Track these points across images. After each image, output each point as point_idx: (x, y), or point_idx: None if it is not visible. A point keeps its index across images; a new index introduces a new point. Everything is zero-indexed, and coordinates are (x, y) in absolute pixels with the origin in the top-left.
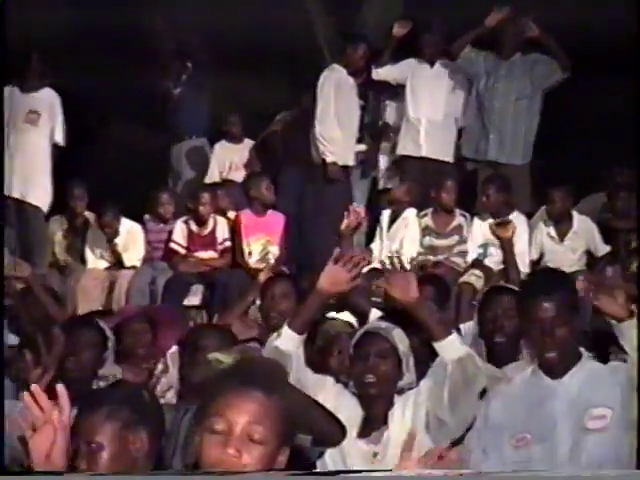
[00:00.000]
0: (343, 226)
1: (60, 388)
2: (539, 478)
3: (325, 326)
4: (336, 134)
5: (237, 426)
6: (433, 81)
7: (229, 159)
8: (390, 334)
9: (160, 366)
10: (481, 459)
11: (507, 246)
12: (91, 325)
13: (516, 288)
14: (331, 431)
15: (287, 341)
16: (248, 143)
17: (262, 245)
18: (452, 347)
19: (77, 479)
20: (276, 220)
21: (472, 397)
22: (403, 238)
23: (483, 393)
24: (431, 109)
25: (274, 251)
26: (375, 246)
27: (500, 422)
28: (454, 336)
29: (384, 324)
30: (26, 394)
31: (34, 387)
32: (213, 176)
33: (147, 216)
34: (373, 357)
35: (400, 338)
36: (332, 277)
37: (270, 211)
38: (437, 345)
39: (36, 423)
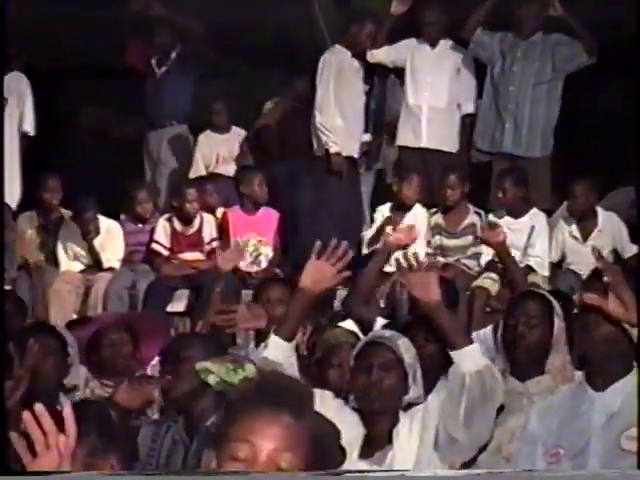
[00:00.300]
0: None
1: (67, 408)
2: (540, 478)
3: (325, 335)
4: (338, 123)
5: (262, 453)
6: (435, 63)
7: (215, 151)
8: (395, 344)
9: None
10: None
11: (502, 252)
12: (49, 331)
13: (545, 292)
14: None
15: (275, 350)
16: (236, 132)
17: (253, 246)
18: (472, 357)
19: (77, 479)
20: (269, 218)
21: (489, 414)
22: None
23: (500, 410)
24: (433, 95)
25: (267, 252)
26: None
27: (536, 434)
28: (475, 346)
29: (388, 333)
30: (26, 413)
31: (37, 406)
32: (198, 169)
33: (123, 216)
34: (377, 370)
35: (406, 348)
36: (315, 273)
37: (263, 208)
38: (455, 354)
39: (37, 447)
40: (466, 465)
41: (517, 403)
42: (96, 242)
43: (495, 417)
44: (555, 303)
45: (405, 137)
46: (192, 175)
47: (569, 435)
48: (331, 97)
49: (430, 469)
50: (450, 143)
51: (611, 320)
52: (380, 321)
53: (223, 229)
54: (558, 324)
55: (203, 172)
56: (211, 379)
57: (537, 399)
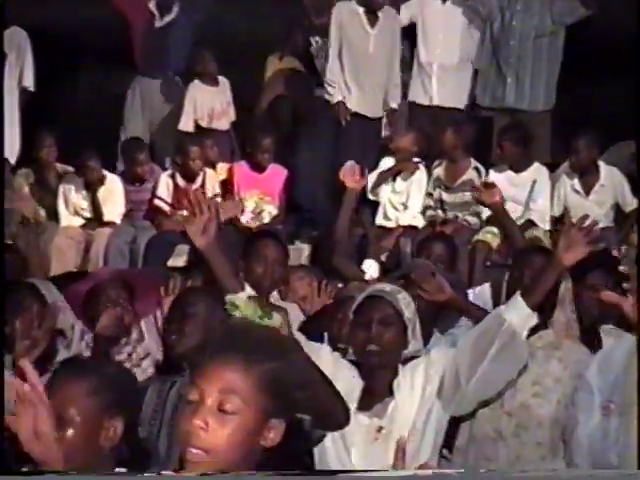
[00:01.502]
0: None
1: (24, 364)
2: (539, 478)
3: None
4: (344, 76)
5: (209, 396)
6: (446, 19)
7: (210, 104)
8: (395, 298)
9: (134, 334)
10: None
11: (498, 212)
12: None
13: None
14: (334, 413)
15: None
16: (223, 83)
17: (255, 202)
18: (519, 313)
19: (77, 479)
20: (276, 176)
21: (509, 372)
22: (410, 191)
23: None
24: (445, 52)
25: (270, 209)
26: (383, 199)
27: (594, 384)
28: (526, 308)
29: (388, 287)
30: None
31: (22, 362)
32: (188, 121)
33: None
34: (376, 324)
35: (406, 303)
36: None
37: (271, 166)
38: (519, 301)
39: (19, 399)
40: (464, 418)
41: None
42: (101, 196)
43: (515, 379)
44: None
45: (415, 94)
46: (182, 126)
47: (620, 392)
48: (336, 52)
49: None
50: (459, 99)
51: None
52: (369, 264)
53: (228, 184)
54: (565, 281)
55: (191, 124)
56: (236, 314)
57: (540, 354)
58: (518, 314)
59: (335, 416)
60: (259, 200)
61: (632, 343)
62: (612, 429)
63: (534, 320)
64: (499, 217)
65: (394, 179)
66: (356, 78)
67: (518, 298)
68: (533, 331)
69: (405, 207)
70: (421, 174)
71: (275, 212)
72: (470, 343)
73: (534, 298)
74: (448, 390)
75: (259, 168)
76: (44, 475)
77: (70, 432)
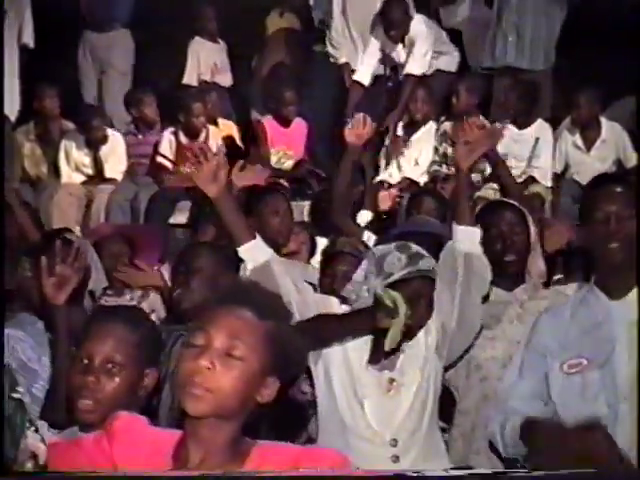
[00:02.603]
0: (348, 136)
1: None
2: (540, 478)
3: (334, 243)
4: (348, 36)
5: (217, 340)
6: None
7: (212, 60)
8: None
9: (138, 291)
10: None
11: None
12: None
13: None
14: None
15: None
16: (222, 44)
17: (279, 156)
18: (471, 240)
19: (77, 479)
20: (301, 128)
21: (476, 299)
22: (422, 148)
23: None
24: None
25: (289, 163)
26: (396, 158)
27: (547, 347)
28: (478, 230)
29: (382, 246)
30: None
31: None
32: (192, 76)
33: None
34: None
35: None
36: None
37: (295, 119)
38: (459, 229)
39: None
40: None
41: (513, 312)
42: (103, 155)
43: (481, 304)
44: (525, 210)
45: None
46: (186, 80)
47: (591, 345)
48: (339, 8)
49: (425, 463)
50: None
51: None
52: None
53: (260, 139)
54: (533, 229)
55: (195, 79)
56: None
57: (529, 305)
58: (463, 237)
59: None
60: (283, 154)
61: (606, 304)
62: (591, 383)
63: (478, 232)
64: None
65: (409, 138)
66: (362, 34)
67: (455, 226)
68: (515, 285)
69: (416, 163)
70: (430, 128)
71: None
72: (441, 285)
73: (463, 216)
74: (442, 339)
75: (285, 122)
76: (44, 475)
77: (114, 381)
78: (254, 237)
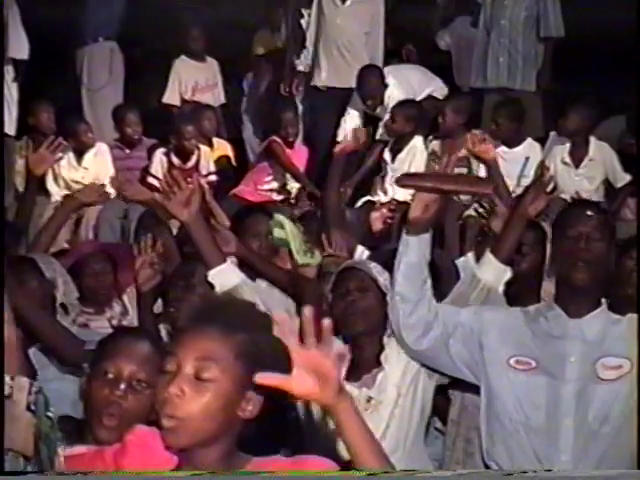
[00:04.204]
0: (337, 149)
1: None
2: (538, 478)
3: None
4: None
5: (186, 365)
6: None
7: (194, 78)
8: (367, 267)
9: (117, 308)
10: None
11: (494, 167)
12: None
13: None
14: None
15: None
16: (211, 62)
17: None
18: (494, 272)
19: (78, 479)
20: (302, 152)
21: None
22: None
23: None
24: None
25: (292, 184)
26: (384, 179)
27: (499, 336)
28: (508, 269)
29: (359, 259)
30: None
31: None
32: (173, 95)
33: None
34: (353, 292)
35: (378, 271)
36: None
37: (297, 142)
38: (491, 259)
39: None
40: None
41: None
42: (89, 167)
43: None
44: (548, 229)
45: None
46: (166, 99)
47: (541, 352)
48: (313, 33)
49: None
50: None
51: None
52: (360, 249)
53: (278, 155)
54: (549, 250)
55: (177, 98)
56: (277, 233)
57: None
58: (491, 271)
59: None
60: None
61: (564, 321)
62: (535, 386)
63: (508, 274)
64: (492, 171)
65: (393, 159)
66: (326, 48)
67: (489, 255)
68: (526, 303)
69: None
70: (414, 145)
71: (297, 186)
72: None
73: (504, 252)
74: None
75: (288, 144)
76: (45, 475)
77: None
78: (224, 261)
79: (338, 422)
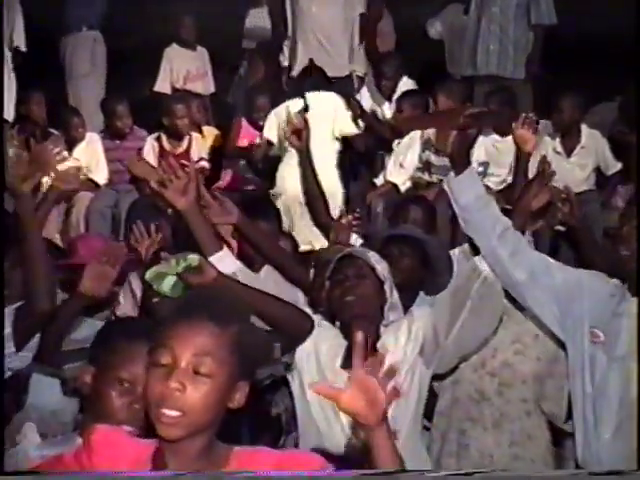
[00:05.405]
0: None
1: None
2: (539, 478)
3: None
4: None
5: (183, 359)
6: None
7: (185, 67)
8: (365, 255)
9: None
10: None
11: (523, 160)
12: None
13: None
14: (299, 325)
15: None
16: (201, 51)
17: None
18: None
19: (77, 479)
20: None
21: (487, 324)
22: (408, 152)
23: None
24: None
25: None
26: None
27: (582, 307)
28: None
29: (357, 247)
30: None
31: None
32: (165, 83)
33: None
34: (351, 278)
35: (376, 260)
36: None
37: None
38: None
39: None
40: (444, 376)
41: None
42: (80, 158)
43: (492, 333)
44: None
45: None
46: (157, 88)
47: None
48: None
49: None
50: None
51: None
52: (353, 237)
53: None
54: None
55: (168, 86)
56: (166, 282)
57: (518, 313)
58: None
59: (301, 326)
60: None
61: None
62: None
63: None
64: (521, 165)
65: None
66: (303, 39)
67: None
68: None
69: (401, 166)
70: (415, 134)
71: None
72: (448, 298)
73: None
74: (429, 346)
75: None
76: (44, 475)
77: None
78: (221, 248)
79: (373, 445)
